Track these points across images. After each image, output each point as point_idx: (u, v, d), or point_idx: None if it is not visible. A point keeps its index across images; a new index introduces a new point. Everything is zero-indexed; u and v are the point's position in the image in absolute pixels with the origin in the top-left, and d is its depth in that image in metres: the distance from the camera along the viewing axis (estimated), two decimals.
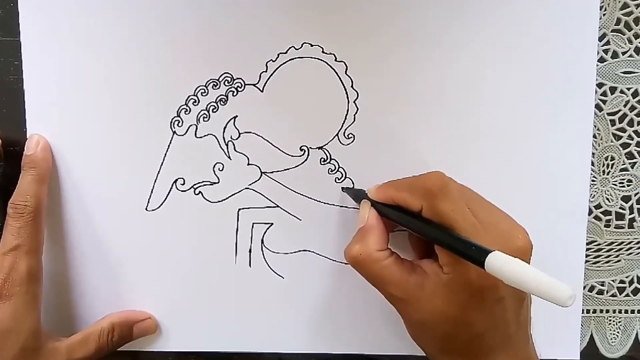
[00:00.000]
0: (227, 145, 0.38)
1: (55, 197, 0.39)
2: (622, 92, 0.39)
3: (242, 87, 0.38)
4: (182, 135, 0.38)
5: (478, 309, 0.31)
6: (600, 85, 0.39)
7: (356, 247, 0.34)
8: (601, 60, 0.39)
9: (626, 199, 0.40)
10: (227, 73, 0.38)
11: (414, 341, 0.34)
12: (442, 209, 0.31)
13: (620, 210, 0.40)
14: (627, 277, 0.41)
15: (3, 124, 0.38)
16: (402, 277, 0.32)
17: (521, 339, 0.33)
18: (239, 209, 0.39)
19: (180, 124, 0.38)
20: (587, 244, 0.40)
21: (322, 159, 0.38)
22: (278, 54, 0.38)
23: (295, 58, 0.38)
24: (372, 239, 0.34)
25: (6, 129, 0.38)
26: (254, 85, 0.38)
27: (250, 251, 0.39)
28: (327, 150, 0.38)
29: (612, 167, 0.40)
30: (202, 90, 0.38)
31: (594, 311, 0.41)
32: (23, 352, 0.34)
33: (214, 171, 0.39)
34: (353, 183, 0.39)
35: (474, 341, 0.32)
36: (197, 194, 0.39)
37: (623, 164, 0.40)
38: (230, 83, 0.38)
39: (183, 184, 0.39)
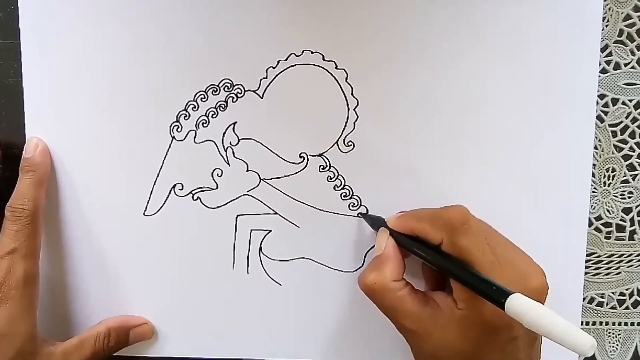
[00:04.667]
0: (226, 151, 0.38)
1: (53, 201, 0.38)
2: (624, 103, 0.39)
3: (242, 93, 0.38)
4: (181, 140, 0.38)
5: (490, 347, 0.31)
6: (602, 96, 0.39)
7: (372, 276, 0.33)
8: (603, 71, 0.38)
9: (627, 211, 0.40)
10: (227, 79, 0.38)
11: None
12: (463, 244, 0.31)
13: (621, 222, 0.40)
14: (627, 290, 0.41)
15: (2, 126, 0.38)
16: (415, 309, 0.32)
17: None
18: (238, 215, 0.39)
19: (179, 129, 0.38)
20: (587, 255, 0.40)
21: (322, 167, 0.38)
22: (278, 61, 0.37)
23: (296, 65, 0.37)
24: (389, 268, 0.33)
25: (5, 131, 0.38)
26: (253, 91, 0.38)
27: (248, 258, 0.39)
28: (327, 158, 0.38)
29: (613, 179, 0.40)
30: (202, 96, 0.38)
31: (594, 323, 0.41)
32: (18, 356, 0.34)
33: (213, 177, 0.39)
34: (352, 191, 0.38)
35: None
36: (196, 200, 0.39)
37: (624, 176, 0.40)
38: (230, 89, 0.38)
39: (181, 189, 0.39)
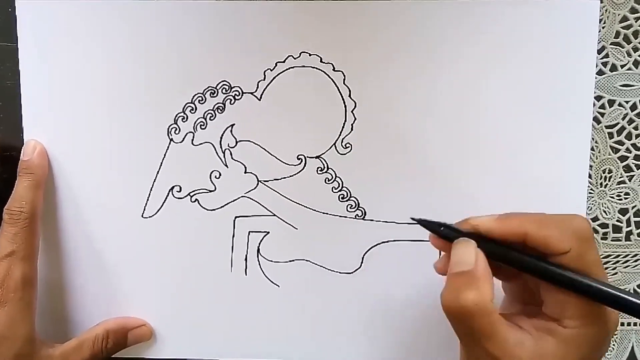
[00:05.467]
0: (224, 153, 0.38)
1: (51, 203, 0.39)
2: (620, 105, 0.39)
3: (240, 96, 0.38)
4: (179, 142, 0.38)
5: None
6: (598, 97, 0.39)
7: (471, 295, 0.28)
8: (600, 72, 0.39)
9: (623, 211, 0.40)
10: (225, 81, 0.38)
11: None
12: (592, 259, 0.29)
13: (617, 223, 0.40)
14: None
15: (0, 129, 0.38)
16: (504, 334, 0.29)
17: None
18: (235, 217, 0.39)
19: (177, 132, 0.38)
20: None
21: (319, 168, 0.38)
22: (276, 63, 0.38)
23: (293, 67, 0.38)
24: (488, 287, 0.29)
25: (3, 134, 0.38)
26: (251, 93, 0.38)
27: (246, 259, 0.39)
28: (324, 160, 0.38)
29: (609, 180, 0.40)
30: (200, 98, 0.38)
31: None
32: (17, 359, 0.34)
33: (211, 179, 0.39)
34: (350, 192, 0.39)
35: None
36: (194, 202, 0.39)
37: (620, 177, 0.40)
38: (228, 91, 0.38)
39: (179, 191, 0.39)
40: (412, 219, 0.33)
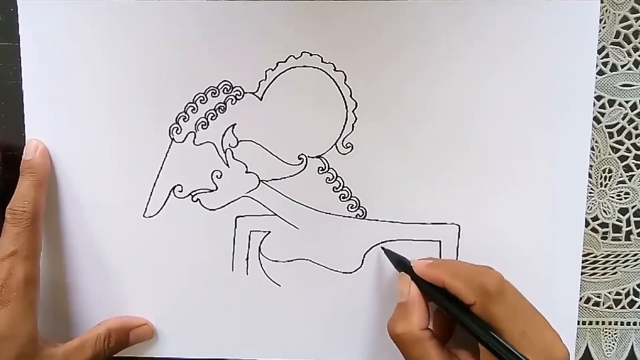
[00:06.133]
0: (225, 152, 0.38)
1: (53, 203, 0.39)
2: (620, 105, 0.39)
3: (241, 95, 0.38)
4: (181, 142, 0.38)
5: None
6: (598, 97, 0.39)
7: (400, 326, 0.34)
8: (600, 72, 0.39)
9: (623, 211, 0.40)
10: (226, 81, 0.38)
11: None
12: (495, 313, 0.31)
13: (617, 223, 0.40)
14: (623, 290, 0.41)
15: (2, 128, 0.39)
16: (433, 357, 0.33)
17: None
18: (237, 217, 0.39)
19: (178, 131, 0.38)
20: (584, 255, 0.40)
21: (320, 168, 0.39)
22: (277, 63, 0.38)
23: (295, 67, 0.38)
24: (415, 316, 0.34)
25: (5, 133, 0.38)
26: (253, 93, 0.38)
27: (247, 259, 0.39)
28: (325, 159, 0.38)
29: (609, 180, 0.40)
30: (201, 98, 0.38)
31: (590, 323, 0.41)
32: (19, 358, 0.34)
33: (212, 178, 0.39)
34: (350, 192, 0.39)
35: None
36: (195, 201, 0.39)
37: (620, 177, 0.40)
38: (229, 91, 0.38)
39: (181, 191, 0.39)
40: (382, 248, 0.39)
